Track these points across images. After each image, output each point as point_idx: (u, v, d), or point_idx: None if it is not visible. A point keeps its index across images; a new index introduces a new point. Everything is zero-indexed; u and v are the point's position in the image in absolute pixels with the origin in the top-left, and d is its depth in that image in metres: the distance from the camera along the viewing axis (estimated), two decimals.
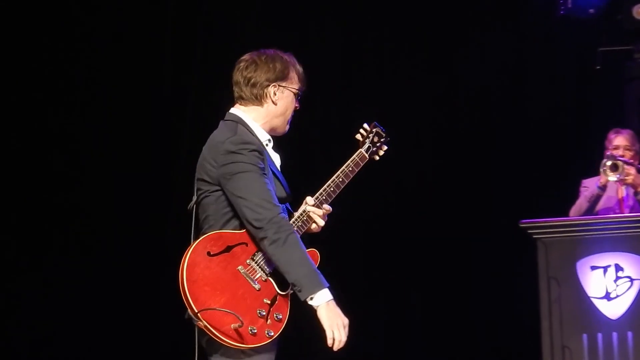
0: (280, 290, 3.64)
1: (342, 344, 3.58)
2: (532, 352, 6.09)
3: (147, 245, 7.03)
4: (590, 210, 6.38)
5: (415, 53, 7.70)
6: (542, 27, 7.72)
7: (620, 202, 6.45)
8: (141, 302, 6.97)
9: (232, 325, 3.50)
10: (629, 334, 5.80)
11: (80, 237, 7.07)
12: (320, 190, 3.87)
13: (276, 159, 3.84)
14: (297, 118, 3.94)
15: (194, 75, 7.41)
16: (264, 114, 3.82)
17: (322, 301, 3.56)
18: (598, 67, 7.36)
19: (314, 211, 3.82)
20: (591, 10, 7.34)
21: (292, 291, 3.65)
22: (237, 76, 3.83)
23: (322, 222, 3.85)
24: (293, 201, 3.84)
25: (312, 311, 3.59)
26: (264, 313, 3.57)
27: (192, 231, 3.74)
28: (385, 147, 4.06)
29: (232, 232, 3.65)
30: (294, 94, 3.86)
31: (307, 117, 4.35)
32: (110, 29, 7.22)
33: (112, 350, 6.96)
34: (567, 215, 6.42)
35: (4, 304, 6.95)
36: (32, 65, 7.04)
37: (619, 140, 6.51)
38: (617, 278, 5.88)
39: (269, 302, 3.60)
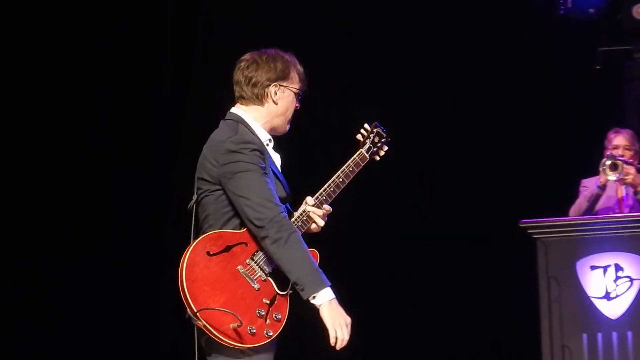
0: (280, 290, 3.64)
1: (344, 343, 3.58)
2: (532, 352, 6.09)
3: (147, 245, 7.03)
4: (589, 209, 6.38)
5: (415, 53, 7.70)
6: (542, 27, 7.72)
7: (620, 201, 6.45)
8: (141, 302, 6.97)
9: (231, 325, 3.50)
10: (629, 333, 5.80)
11: (80, 237, 7.07)
12: (321, 191, 3.87)
13: (277, 158, 3.84)
14: (298, 118, 3.94)
15: (194, 75, 7.41)
16: (265, 113, 3.82)
17: (325, 300, 3.56)
18: (598, 67, 7.36)
19: (314, 211, 3.82)
20: (591, 10, 7.34)
21: (291, 291, 3.65)
22: (238, 75, 3.83)
23: (322, 222, 3.85)
24: (293, 201, 3.84)
25: (314, 310, 3.58)
26: (263, 313, 3.58)
27: (192, 230, 3.74)
28: (385, 148, 4.06)
29: (231, 232, 3.65)
30: (295, 93, 3.86)
31: (307, 117, 4.34)
32: (110, 29, 7.22)
33: (112, 350, 6.96)
34: (566, 215, 6.42)
35: (4, 304, 6.94)
36: (32, 65, 7.04)
37: (619, 140, 6.51)
38: (617, 278, 5.88)
39: (268, 302, 3.60)
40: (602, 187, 6.38)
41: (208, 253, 3.57)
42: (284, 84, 3.83)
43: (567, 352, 5.82)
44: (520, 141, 7.60)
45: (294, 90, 3.85)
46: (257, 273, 3.62)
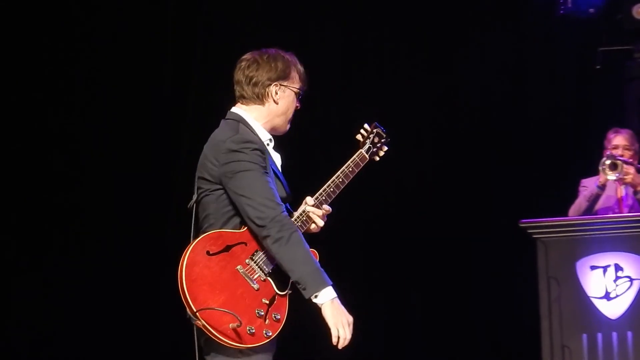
0: (279, 291, 3.64)
1: (346, 342, 3.58)
2: (532, 351, 6.09)
3: (147, 245, 7.03)
4: (589, 209, 6.38)
5: (415, 53, 7.70)
6: (542, 27, 7.72)
7: (620, 201, 6.45)
8: (141, 302, 6.97)
9: (230, 325, 3.50)
10: (629, 333, 5.80)
11: (80, 237, 7.07)
12: (320, 191, 3.87)
13: (277, 158, 3.84)
14: (298, 118, 3.94)
15: (194, 75, 7.41)
16: (266, 113, 3.83)
17: (327, 299, 3.56)
18: (598, 67, 7.36)
19: (314, 211, 3.82)
20: (591, 10, 7.34)
21: (290, 291, 3.66)
22: (239, 75, 3.83)
23: (321, 223, 3.85)
24: (293, 201, 3.84)
25: (315, 309, 3.59)
26: (263, 313, 3.58)
27: (192, 230, 3.74)
28: (385, 148, 4.06)
29: (231, 232, 3.65)
30: (295, 93, 3.86)
31: (308, 117, 4.34)
32: (110, 29, 7.22)
33: (112, 350, 6.96)
34: (566, 215, 6.42)
35: (4, 304, 6.95)
36: (32, 65, 7.04)
37: (618, 140, 6.52)
38: (617, 278, 5.88)
39: (267, 302, 3.60)
40: (602, 187, 6.38)
41: (208, 253, 3.57)
42: (285, 83, 3.83)
43: (567, 352, 5.82)
44: (520, 141, 7.60)
45: (295, 89, 3.85)
46: (256, 273, 3.62)
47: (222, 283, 3.55)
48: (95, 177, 7.14)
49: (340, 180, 3.89)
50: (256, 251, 3.64)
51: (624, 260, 5.91)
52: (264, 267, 3.63)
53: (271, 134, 3.84)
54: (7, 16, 7.00)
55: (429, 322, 7.54)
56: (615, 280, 5.88)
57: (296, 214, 3.82)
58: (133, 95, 7.19)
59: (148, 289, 6.90)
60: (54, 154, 7.11)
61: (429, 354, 7.49)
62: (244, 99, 3.83)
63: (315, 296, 3.56)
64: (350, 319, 3.60)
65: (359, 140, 4.03)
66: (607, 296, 5.87)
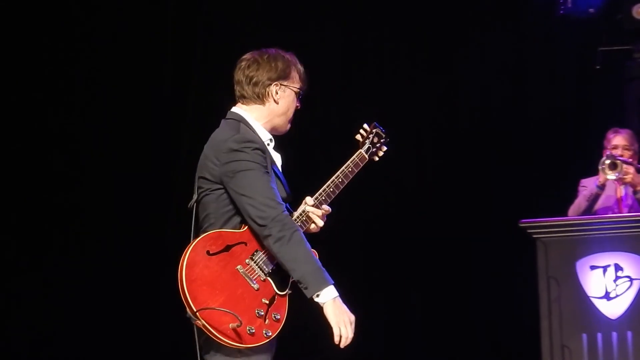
0: (279, 291, 3.64)
1: (349, 341, 3.58)
2: (532, 351, 6.09)
3: (147, 245, 7.03)
4: (589, 209, 6.38)
5: (415, 53, 7.70)
6: (542, 27, 7.72)
7: (619, 201, 6.45)
8: (141, 302, 6.97)
9: (230, 325, 3.50)
10: (629, 333, 5.80)
11: (80, 237, 7.08)
12: (320, 191, 3.87)
13: (277, 158, 3.84)
14: (297, 118, 3.94)
15: (194, 75, 7.41)
16: (266, 113, 3.83)
17: (329, 298, 3.56)
18: (598, 67, 7.37)
19: (314, 211, 3.83)
20: (591, 10, 7.34)
21: (290, 291, 3.66)
22: (239, 75, 3.83)
23: (321, 223, 3.85)
24: (293, 201, 3.85)
25: (317, 309, 3.59)
26: (262, 313, 3.58)
27: (192, 230, 3.74)
28: (384, 148, 4.07)
29: (231, 232, 3.65)
30: (296, 93, 3.86)
31: (307, 117, 4.35)
32: (110, 29, 7.23)
33: (112, 350, 6.96)
34: (566, 215, 6.42)
35: (4, 304, 6.95)
36: (32, 65, 7.04)
37: (618, 140, 6.52)
38: (617, 278, 5.88)
39: (267, 302, 3.60)
40: (602, 187, 6.38)
41: (208, 252, 3.57)
42: (285, 83, 3.83)
43: (566, 352, 5.82)
44: (520, 141, 7.60)
45: (295, 89, 3.86)
46: (256, 273, 3.62)
47: (222, 283, 3.55)
48: (95, 177, 7.14)
49: (340, 180, 3.89)
50: (256, 251, 3.64)
51: (624, 260, 5.91)
52: (264, 267, 3.64)
53: (272, 134, 3.85)
54: (7, 16, 7.00)
55: (429, 322, 7.54)
56: (615, 280, 5.88)
57: (296, 214, 3.82)
58: (133, 95, 7.19)
59: (148, 289, 6.90)
60: (54, 154, 7.11)
61: (429, 354, 7.49)
62: (244, 98, 3.84)
63: (317, 295, 3.56)
64: (352, 317, 3.60)
65: (359, 141, 4.03)
66: (607, 296, 5.88)
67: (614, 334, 5.81)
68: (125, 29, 7.21)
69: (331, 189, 3.87)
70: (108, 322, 6.94)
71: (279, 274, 3.64)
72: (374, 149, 4.03)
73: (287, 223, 3.58)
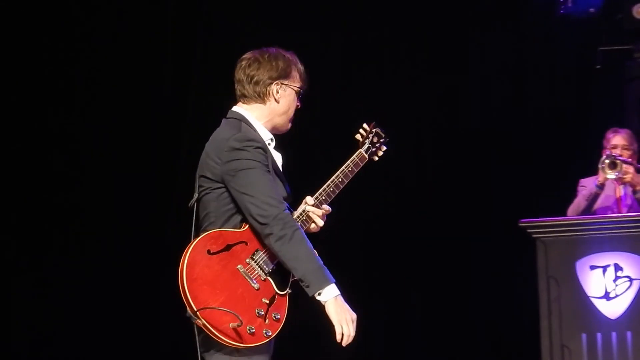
0: (279, 290, 3.64)
1: (350, 339, 3.59)
2: (532, 351, 6.10)
3: (147, 245, 7.03)
4: (588, 209, 6.38)
5: (415, 53, 7.70)
6: (542, 27, 7.72)
7: (618, 201, 6.45)
8: (141, 302, 6.97)
9: (230, 325, 3.50)
10: (628, 333, 5.80)
11: (80, 237, 7.08)
12: (320, 190, 3.88)
13: (278, 158, 3.84)
14: (298, 118, 3.95)
15: (194, 75, 7.41)
16: (267, 112, 3.83)
17: (330, 296, 3.56)
18: (598, 67, 7.37)
19: (314, 211, 3.83)
20: (591, 10, 7.34)
21: (290, 291, 3.66)
22: (240, 74, 3.83)
23: (321, 222, 3.86)
24: (293, 201, 3.85)
25: (319, 307, 3.59)
26: (263, 312, 3.58)
27: (193, 229, 3.74)
28: (384, 148, 4.07)
29: (232, 231, 3.65)
30: (296, 92, 3.86)
31: (308, 117, 4.35)
32: (110, 29, 7.23)
33: (112, 350, 6.96)
34: (565, 214, 6.42)
35: (4, 304, 6.95)
36: (32, 65, 7.04)
37: (617, 140, 6.52)
38: (617, 278, 5.88)
39: (267, 301, 3.60)
40: (601, 186, 6.38)
41: (208, 252, 3.57)
42: (286, 82, 3.83)
43: (566, 352, 5.82)
44: (520, 141, 7.60)
45: (296, 88, 3.86)
46: (256, 272, 3.62)
47: (222, 282, 3.55)
48: (95, 177, 7.14)
49: (340, 180, 3.90)
50: (257, 250, 3.64)
51: (624, 260, 5.91)
52: (265, 266, 3.64)
53: (273, 133, 3.85)
54: (7, 16, 7.00)
55: (429, 322, 7.54)
56: (614, 280, 5.88)
57: (296, 213, 3.82)
58: (133, 95, 7.19)
59: (148, 289, 6.90)
60: (54, 154, 7.11)
61: (429, 354, 7.49)
62: (245, 98, 3.84)
63: (319, 294, 3.56)
64: (354, 316, 3.60)
65: (358, 140, 4.04)
66: (606, 296, 5.88)
67: (614, 334, 5.81)
68: (125, 29, 7.22)
69: (331, 189, 3.88)
70: (108, 322, 6.94)
71: (280, 273, 3.64)
72: (373, 149, 4.03)
73: (289, 222, 3.58)
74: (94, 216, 7.10)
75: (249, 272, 3.60)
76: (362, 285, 7.29)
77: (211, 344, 3.61)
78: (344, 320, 3.56)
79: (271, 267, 3.64)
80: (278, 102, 3.83)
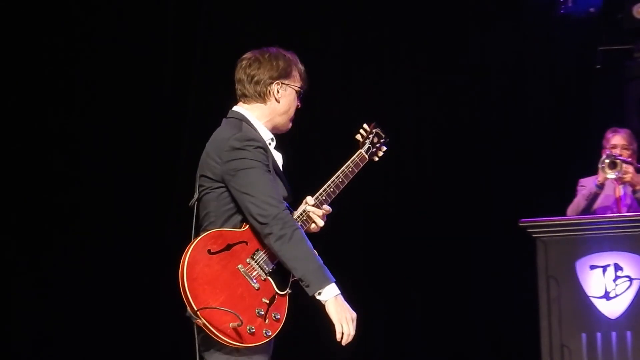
0: (279, 290, 3.64)
1: (350, 338, 3.59)
2: (532, 351, 6.10)
3: (147, 245, 7.03)
4: (587, 208, 6.39)
5: (415, 53, 7.70)
6: (542, 27, 7.72)
7: (618, 200, 6.45)
8: (141, 301, 6.97)
9: (231, 324, 3.50)
10: (628, 333, 5.80)
11: (80, 237, 7.07)
12: (320, 191, 3.88)
13: (278, 158, 3.85)
14: (298, 118, 3.95)
15: (194, 75, 7.41)
16: (267, 112, 3.83)
17: (330, 296, 3.57)
18: (598, 67, 7.37)
19: (314, 211, 3.83)
20: (591, 10, 7.35)
21: (290, 291, 3.66)
22: (240, 74, 3.84)
23: (321, 223, 3.86)
24: (293, 201, 3.85)
25: (319, 307, 3.59)
26: (263, 312, 3.58)
27: (193, 228, 3.74)
28: (384, 148, 4.08)
29: (232, 231, 3.65)
30: (297, 92, 3.87)
31: (308, 117, 4.35)
32: (110, 29, 7.23)
33: (112, 350, 6.96)
34: (565, 214, 6.42)
35: (4, 304, 6.95)
36: (32, 65, 7.04)
37: (617, 140, 6.52)
38: (616, 277, 5.88)
39: (267, 301, 3.60)
40: (601, 186, 6.39)
41: (209, 251, 3.57)
42: (286, 82, 3.84)
43: (566, 352, 5.82)
44: (520, 141, 7.60)
45: (296, 88, 3.86)
46: (257, 272, 3.62)
47: (222, 282, 3.55)
48: (95, 177, 7.14)
49: (340, 180, 3.90)
50: (257, 250, 3.64)
51: (624, 259, 5.91)
52: (265, 266, 3.64)
53: (273, 133, 3.85)
54: (7, 16, 7.00)
55: (429, 322, 7.54)
56: (614, 280, 5.89)
57: (296, 213, 3.83)
58: (133, 95, 7.19)
59: (148, 288, 6.91)
60: (54, 154, 7.11)
61: (429, 354, 7.49)
62: (245, 97, 3.84)
63: (319, 293, 3.56)
64: (354, 315, 3.61)
65: (359, 141, 4.04)
66: (606, 296, 5.88)
67: (614, 334, 5.81)
68: (125, 29, 7.22)
69: (331, 189, 3.88)
70: (108, 322, 6.94)
71: (280, 273, 3.64)
72: (373, 149, 4.04)
73: (288, 221, 3.58)
74: (94, 216, 7.10)
75: (249, 271, 3.61)
76: (362, 285, 7.29)
77: (211, 343, 3.61)
78: (344, 319, 3.57)
79: (271, 267, 3.64)
80: (278, 102, 3.83)
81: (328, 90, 7.33)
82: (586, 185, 6.49)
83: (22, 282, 6.98)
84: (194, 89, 7.40)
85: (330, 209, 3.89)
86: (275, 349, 3.73)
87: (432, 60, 7.65)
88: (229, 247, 3.61)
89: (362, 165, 3.98)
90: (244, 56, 3.87)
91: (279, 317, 3.61)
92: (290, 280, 3.65)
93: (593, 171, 6.48)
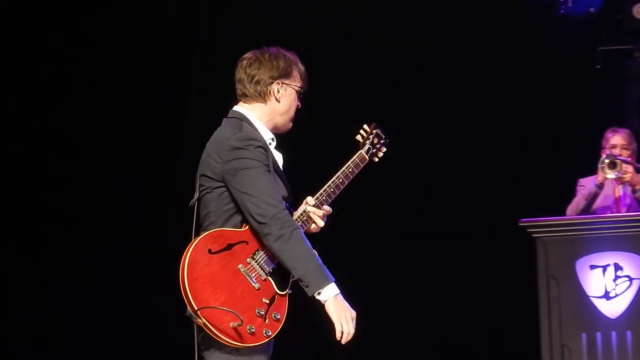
0: (279, 290, 3.64)
1: (350, 337, 3.59)
2: (532, 351, 6.10)
3: (147, 245, 7.03)
4: (587, 208, 6.39)
5: (415, 53, 7.70)
6: (542, 27, 7.72)
7: (617, 200, 6.45)
8: (141, 301, 6.97)
9: (231, 324, 3.50)
10: (628, 333, 5.80)
11: (80, 236, 7.07)
12: (321, 191, 3.89)
13: (279, 158, 3.85)
14: (298, 118, 3.95)
15: (194, 75, 7.41)
16: (268, 111, 3.83)
17: (330, 296, 3.57)
18: (598, 67, 7.37)
19: (314, 212, 3.83)
20: (591, 10, 7.35)
21: (290, 291, 3.66)
22: (241, 74, 3.84)
23: (322, 223, 3.86)
24: (293, 201, 3.85)
25: (319, 307, 3.59)
26: (263, 312, 3.58)
27: (194, 228, 3.75)
28: (384, 149, 4.09)
29: (233, 230, 3.65)
30: (297, 91, 3.87)
31: (308, 118, 4.35)
32: (110, 29, 7.23)
33: (112, 349, 6.96)
34: (564, 214, 6.42)
35: (4, 304, 6.95)
36: (32, 65, 7.04)
37: (616, 139, 6.53)
38: (616, 277, 5.89)
39: (267, 301, 3.60)
40: (600, 186, 6.39)
41: (209, 251, 3.58)
42: (287, 81, 3.84)
43: (566, 352, 5.83)
44: (520, 141, 7.60)
45: (296, 88, 3.86)
46: (257, 272, 3.62)
47: (223, 282, 3.55)
48: (95, 177, 7.14)
49: (341, 180, 3.91)
50: (257, 250, 3.65)
51: (624, 259, 5.91)
52: (265, 266, 3.64)
53: (273, 133, 3.85)
54: (7, 16, 7.00)
55: (429, 322, 7.54)
56: (614, 280, 5.89)
57: (297, 213, 3.83)
58: (133, 95, 7.19)
59: (148, 288, 6.90)
60: (54, 154, 7.11)
61: (429, 354, 7.49)
62: (245, 97, 3.84)
63: (319, 293, 3.56)
64: (354, 313, 3.61)
65: (359, 141, 4.05)
66: (606, 295, 5.88)
67: (614, 334, 5.82)
68: (125, 29, 7.22)
69: (332, 189, 3.88)
70: (108, 322, 6.94)
71: (280, 273, 3.64)
72: (374, 150, 4.04)
73: (287, 221, 3.58)
74: (94, 216, 7.10)
75: (249, 271, 3.61)
76: (362, 285, 7.29)
77: (211, 343, 3.61)
78: (343, 318, 3.57)
79: (271, 267, 3.65)
80: (279, 102, 3.83)
81: (328, 90, 7.33)
82: (586, 185, 6.49)
83: (22, 282, 6.97)
84: (194, 89, 7.40)
85: (331, 210, 3.89)
86: (275, 349, 3.73)
87: (432, 60, 7.65)
88: (229, 247, 3.61)
89: (362, 166, 3.98)
90: (245, 56, 3.88)
91: (279, 317, 3.61)
92: (291, 281, 3.65)
93: (593, 171, 6.48)
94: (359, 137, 4.05)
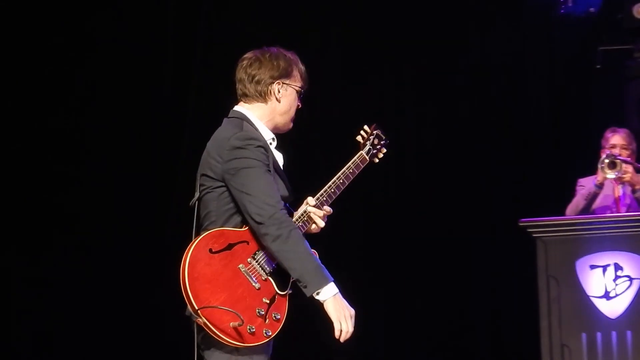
0: (280, 290, 3.64)
1: (349, 335, 3.60)
2: (532, 351, 6.10)
3: (147, 245, 7.03)
4: (587, 208, 6.39)
5: (415, 53, 7.70)
6: (542, 27, 7.72)
7: (617, 200, 6.45)
8: (141, 301, 6.97)
9: (231, 324, 3.50)
10: (628, 333, 5.80)
11: (81, 236, 7.08)
12: (321, 191, 3.89)
13: (279, 158, 3.85)
14: (298, 118, 3.95)
15: (194, 75, 7.42)
16: (268, 111, 3.84)
17: (329, 295, 3.57)
18: (598, 66, 7.37)
19: (315, 212, 3.83)
20: (591, 10, 7.35)
21: (290, 291, 3.66)
22: (241, 74, 3.84)
23: (322, 223, 3.86)
24: (294, 201, 3.85)
25: (318, 307, 3.59)
26: (263, 312, 3.58)
27: (194, 227, 3.75)
28: (384, 150, 4.09)
29: (234, 230, 3.65)
30: (297, 91, 3.87)
31: (308, 118, 4.35)
32: (110, 29, 7.23)
33: (113, 349, 6.96)
34: (564, 214, 6.42)
35: (4, 304, 6.95)
36: (32, 65, 7.04)
37: (616, 139, 6.53)
38: (617, 277, 5.88)
39: (268, 301, 3.60)
40: (600, 186, 6.39)
41: (210, 251, 3.58)
42: (287, 81, 3.84)
43: (566, 351, 5.82)
44: (521, 141, 7.60)
45: (297, 88, 3.86)
46: (257, 272, 3.62)
47: (223, 281, 3.55)
48: (95, 177, 7.14)
49: (341, 181, 3.91)
50: (258, 250, 3.65)
51: (624, 259, 5.91)
52: (265, 266, 3.64)
53: (274, 133, 3.85)
54: (8, 16, 7.00)
55: (429, 322, 7.54)
56: (614, 280, 5.89)
57: (297, 214, 3.83)
58: (133, 95, 7.19)
59: (148, 288, 6.90)
60: (54, 154, 7.11)
61: (429, 354, 7.49)
62: (246, 97, 3.84)
63: (318, 293, 3.57)
64: (352, 311, 3.61)
65: (359, 142, 4.05)
66: (606, 295, 5.88)
67: (614, 333, 5.82)
68: (125, 29, 7.22)
69: (332, 190, 3.88)
70: (108, 322, 6.94)
71: (280, 273, 3.64)
72: (374, 151, 4.04)
73: (285, 221, 3.58)
74: (94, 216, 7.10)
75: (250, 271, 3.61)
76: (362, 285, 7.29)
77: (211, 342, 3.61)
78: (342, 317, 3.57)
79: (272, 267, 3.65)
80: (279, 102, 3.83)
81: (328, 90, 7.33)
82: (585, 185, 6.49)
83: (22, 282, 6.97)
84: (194, 89, 7.40)
85: (331, 210, 3.89)
86: (275, 349, 3.73)
87: (432, 60, 7.65)
88: (230, 247, 3.61)
89: (362, 167, 3.98)
90: (245, 56, 3.88)
91: (279, 317, 3.61)
92: (291, 281, 3.65)
93: (593, 171, 6.48)
94: (359, 138, 4.05)
